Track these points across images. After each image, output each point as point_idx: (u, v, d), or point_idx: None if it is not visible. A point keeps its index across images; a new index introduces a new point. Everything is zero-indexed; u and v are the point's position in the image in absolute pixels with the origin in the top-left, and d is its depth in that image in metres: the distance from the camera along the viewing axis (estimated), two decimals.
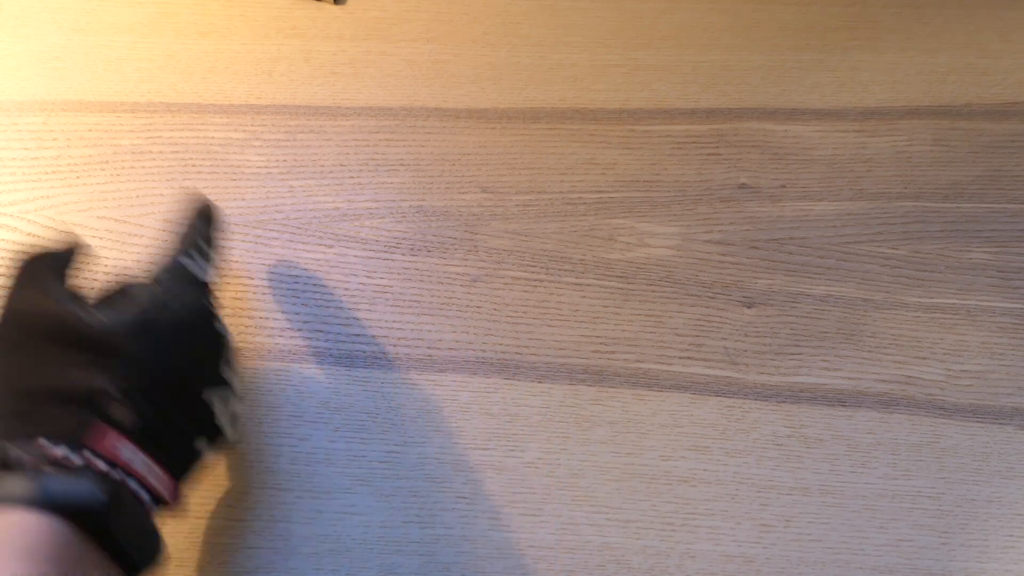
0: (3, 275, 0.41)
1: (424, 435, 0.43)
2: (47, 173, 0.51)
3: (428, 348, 0.46)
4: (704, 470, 0.42)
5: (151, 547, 0.30)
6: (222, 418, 0.35)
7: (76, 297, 0.33)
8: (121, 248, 0.48)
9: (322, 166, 0.51)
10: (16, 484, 0.27)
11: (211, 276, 0.38)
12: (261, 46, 0.55)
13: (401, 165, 0.51)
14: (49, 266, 0.34)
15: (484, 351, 0.46)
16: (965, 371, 0.45)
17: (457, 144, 0.52)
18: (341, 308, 0.47)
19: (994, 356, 0.45)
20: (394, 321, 0.46)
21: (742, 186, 0.50)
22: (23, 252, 0.35)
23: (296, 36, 0.56)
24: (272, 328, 0.46)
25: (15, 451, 0.28)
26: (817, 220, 0.49)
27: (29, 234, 0.49)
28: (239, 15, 0.57)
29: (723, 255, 0.48)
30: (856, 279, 0.47)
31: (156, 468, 0.31)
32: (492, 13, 0.56)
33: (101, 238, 0.49)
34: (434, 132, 0.52)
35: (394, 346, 0.46)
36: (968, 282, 0.47)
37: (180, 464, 0.33)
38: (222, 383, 0.36)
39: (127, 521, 0.28)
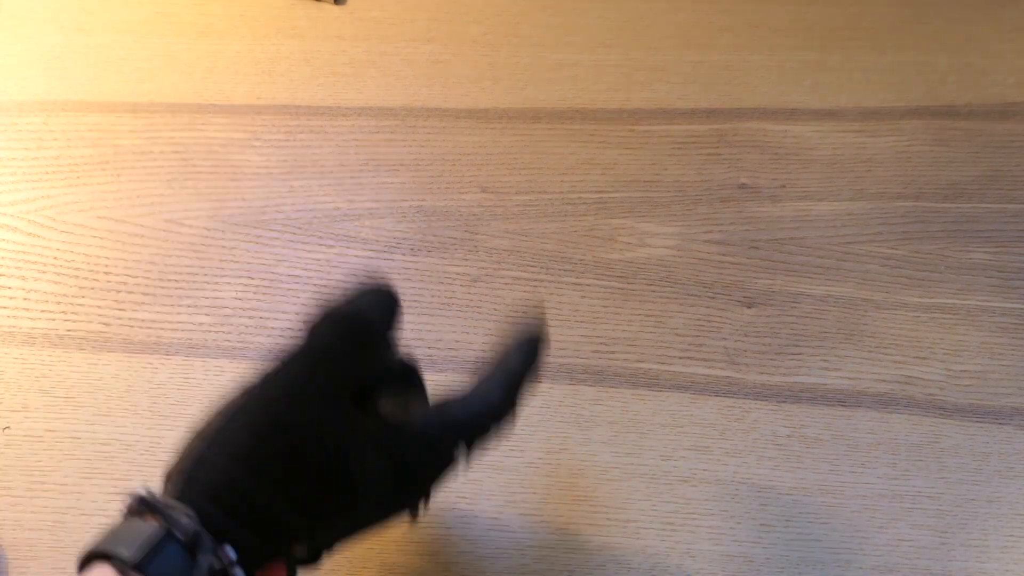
0: (1, 275, 0.42)
1: None
2: (48, 173, 0.51)
3: (428, 348, 0.46)
4: (704, 470, 0.42)
5: None
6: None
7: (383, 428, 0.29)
8: (122, 249, 0.48)
9: (322, 166, 0.51)
10: (169, 565, 0.25)
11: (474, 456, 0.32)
12: (261, 46, 0.55)
13: (401, 165, 0.51)
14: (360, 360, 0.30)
15: (484, 351, 0.46)
16: (965, 371, 0.45)
17: (457, 144, 0.52)
18: None
19: (994, 356, 0.45)
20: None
21: (742, 186, 0.50)
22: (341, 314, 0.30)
23: (296, 36, 0.56)
24: (272, 328, 0.46)
25: (206, 541, 0.25)
26: (817, 220, 0.49)
27: (30, 234, 0.49)
28: (239, 15, 0.57)
29: (723, 255, 0.48)
30: (856, 279, 0.47)
31: None
32: (492, 13, 0.56)
33: (102, 238, 0.49)
34: (434, 132, 0.52)
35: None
36: (968, 282, 0.47)
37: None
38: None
39: None
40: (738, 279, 0.47)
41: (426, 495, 0.32)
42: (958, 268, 0.48)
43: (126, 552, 0.24)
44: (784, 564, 0.40)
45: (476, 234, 0.49)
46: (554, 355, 0.45)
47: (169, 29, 0.56)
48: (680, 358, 0.45)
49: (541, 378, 0.36)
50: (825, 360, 0.45)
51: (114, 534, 0.25)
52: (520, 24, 0.56)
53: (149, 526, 0.25)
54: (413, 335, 0.46)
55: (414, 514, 0.35)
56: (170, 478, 0.28)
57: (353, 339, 0.30)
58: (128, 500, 0.27)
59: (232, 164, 0.51)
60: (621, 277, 0.47)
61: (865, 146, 0.51)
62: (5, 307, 0.47)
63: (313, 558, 0.29)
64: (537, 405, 0.44)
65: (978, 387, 0.44)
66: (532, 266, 0.48)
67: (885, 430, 0.43)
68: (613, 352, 0.46)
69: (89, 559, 0.25)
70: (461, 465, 0.31)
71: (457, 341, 0.46)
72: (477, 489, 0.42)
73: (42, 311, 0.47)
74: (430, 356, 0.45)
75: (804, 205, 0.50)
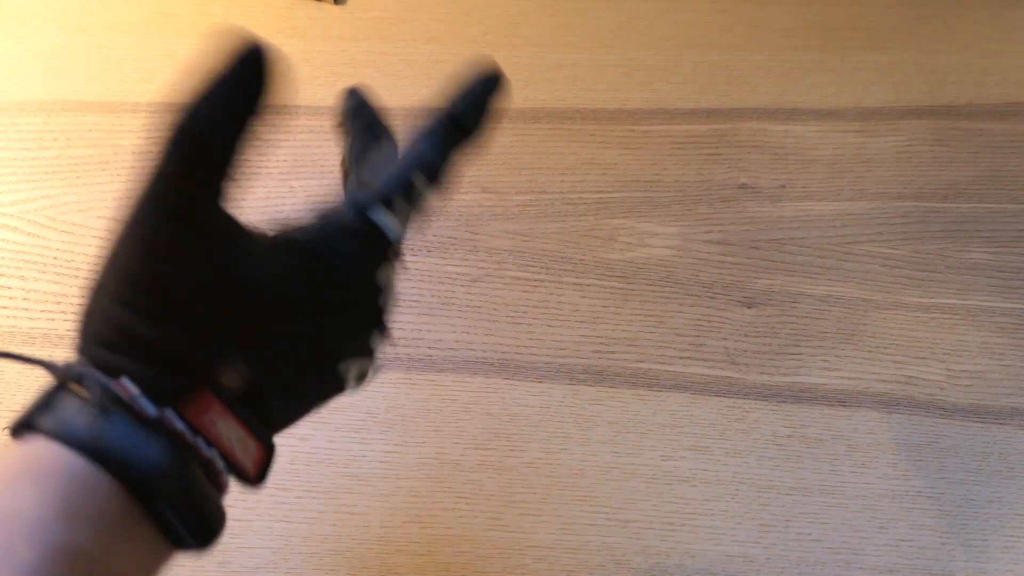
0: (1, 274, 0.42)
1: (424, 435, 0.43)
2: (47, 173, 0.51)
3: (428, 348, 0.46)
4: (704, 470, 0.42)
5: (206, 526, 0.26)
6: (348, 386, 0.30)
7: (228, 221, 0.26)
8: None
9: (322, 166, 0.51)
10: (77, 416, 0.23)
11: (406, 231, 0.30)
12: None
13: None
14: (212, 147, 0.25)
15: (484, 351, 0.46)
16: (965, 371, 0.45)
17: None
18: None
19: (994, 356, 0.45)
20: (394, 321, 0.46)
21: (742, 186, 0.50)
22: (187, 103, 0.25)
23: (297, 36, 0.56)
24: None
25: (94, 379, 0.23)
26: (817, 220, 0.49)
27: (30, 234, 0.49)
28: (240, 15, 0.57)
29: (723, 255, 0.48)
30: (856, 279, 0.47)
31: (250, 442, 0.26)
32: (492, 13, 0.56)
33: (102, 238, 0.49)
34: None
35: (394, 346, 0.46)
36: (968, 282, 0.47)
37: (275, 433, 0.29)
38: (366, 353, 0.30)
39: (185, 496, 0.25)
40: (738, 279, 0.47)
41: (373, 291, 0.29)
42: (958, 268, 0.47)
43: (18, 417, 0.23)
44: (784, 564, 0.40)
45: (476, 234, 0.49)
46: (554, 355, 0.45)
47: (169, 29, 0.56)
48: (680, 358, 0.45)
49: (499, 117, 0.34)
50: (825, 360, 0.45)
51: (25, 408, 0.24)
52: (520, 24, 0.56)
53: (49, 387, 0.24)
54: (413, 335, 0.46)
55: (381, 329, 0.32)
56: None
57: (190, 165, 0.26)
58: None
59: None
60: (621, 277, 0.47)
61: (865, 146, 0.51)
62: (5, 307, 0.47)
63: (255, 391, 0.26)
64: (537, 405, 0.44)
65: (978, 387, 0.44)
66: (532, 266, 0.48)
67: (885, 430, 0.43)
68: (613, 352, 0.45)
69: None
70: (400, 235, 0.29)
71: (457, 341, 0.46)
72: (477, 489, 0.42)
73: (42, 311, 0.47)
74: (430, 356, 0.45)
75: (804, 205, 0.50)
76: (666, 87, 0.53)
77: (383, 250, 0.29)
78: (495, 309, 0.47)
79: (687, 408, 0.44)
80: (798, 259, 0.48)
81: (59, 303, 0.47)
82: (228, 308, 0.25)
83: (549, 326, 0.46)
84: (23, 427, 0.24)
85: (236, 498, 0.43)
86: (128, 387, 0.24)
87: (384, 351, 0.31)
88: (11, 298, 0.47)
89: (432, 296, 0.47)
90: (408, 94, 0.54)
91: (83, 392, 0.24)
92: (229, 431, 0.26)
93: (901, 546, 0.41)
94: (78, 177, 0.51)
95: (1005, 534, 0.41)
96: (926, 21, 0.55)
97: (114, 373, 0.24)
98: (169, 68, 0.54)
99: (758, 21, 0.56)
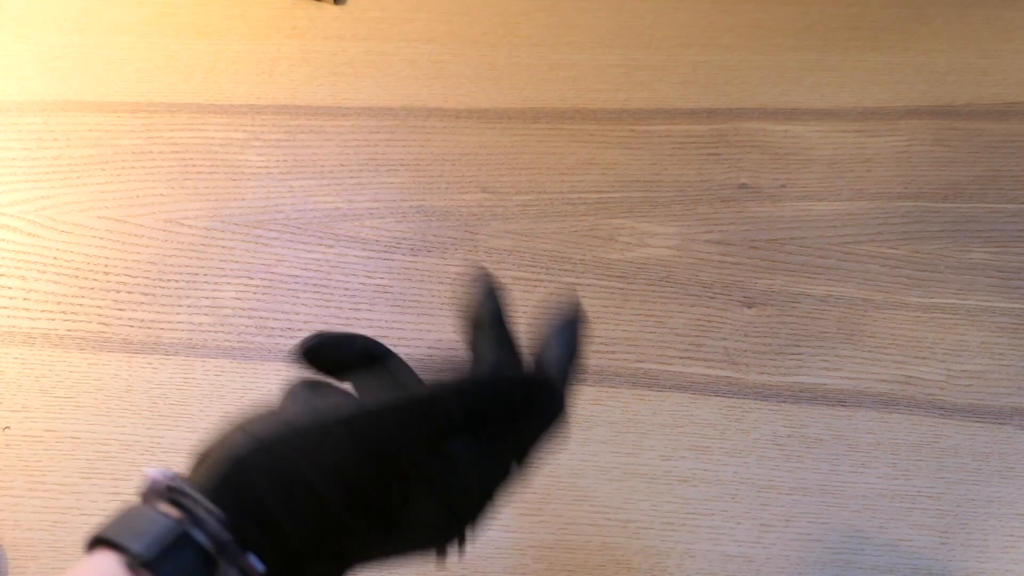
0: (1, 274, 0.41)
1: None
2: (48, 173, 0.51)
3: (428, 348, 0.46)
4: (704, 470, 0.42)
5: None
6: None
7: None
8: (122, 249, 0.48)
9: (322, 166, 0.51)
10: (184, 567, 0.23)
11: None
12: (261, 46, 0.55)
13: (401, 165, 0.51)
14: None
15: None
16: (965, 371, 0.45)
17: (457, 144, 0.52)
18: (341, 308, 0.47)
19: (994, 356, 0.45)
20: (394, 321, 0.47)
21: (742, 186, 0.50)
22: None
23: (296, 36, 0.56)
24: (272, 328, 0.46)
25: (232, 553, 0.23)
26: (817, 220, 0.49)
27: (30, 234, 0.49)
28: (239, 15, 0.57)
29: (723, 255, 0.48)
30: (856, 279, 0.47)
31: None
32: (492, 13, 0.56)
33: (101, 238, 0.49)
34: (434, 132, 0.52)
35: (394, 346, 0.46)
36: (968, 282, 0.47)
37: None
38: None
39: None
40: (738, 279, 0.47)
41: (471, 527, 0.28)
42: (958, 268, 0.48)
43: (137, 546, 0.22)
44: (784, 564, 0.40)
45: (476, 234, 0.49)
46: None
47: (169, 29, 0.56)
48: (680, 358, 0.45)
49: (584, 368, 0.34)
50: (825, 360, 0.45)
51: (128, 520, 0.23)
52: (520, 24, 0.56)
53: (167, 519, 0.23)
54: (413, 335, 0.46)
55: (459, 545, 0.31)
56: (202, 462, 0.25)
57: (474, 417, 0.26)
58: (149, 481, 0.24)
59: (232, 164, 0.51)
60: (621, 277, 0.47)
61: (865, 146, 0.51)
62: (5, 307, 0.47)
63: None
64: None
65: (978, 387, 0.44)
66: (532, 266, 0.48)
67: (885, 430, 0.43)
68: (613, 352, 0.45)
69: (97, 544, 0.23)
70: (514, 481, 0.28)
71: (458, 341, 0.46)
72: (512, 495, 0.42)
73: (42, 311, 0.47)
74: (430, 356, 0.45)
75: (804, 205, 0.50)
76: (666, 87, 0.53)
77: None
78: None
79: (687, 408, 0.44)
80: (798, 259, 0.48)
81: (59, 303, 0.47)
82: (372, 526, 0.25)
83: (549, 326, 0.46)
84: (133, 558, 0.22)
85: None
86: (256, 566, 0.23)
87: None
88: (11, 298, 0.47)
89: (432, 296, 0.47)
90: (408, 94, 0.54)
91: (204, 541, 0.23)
92: None
93: (901, 546, 0.41)
94: (78, 177, 0.51)
95: (1005, 534, 0.41)
96: (926, 21, 0.55)
97: (244, 545, 0.23)
98: (169, 68, 0.54)
99: (758, 21, 0.56)
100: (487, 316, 0.32)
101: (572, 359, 0.31)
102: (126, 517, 0.23)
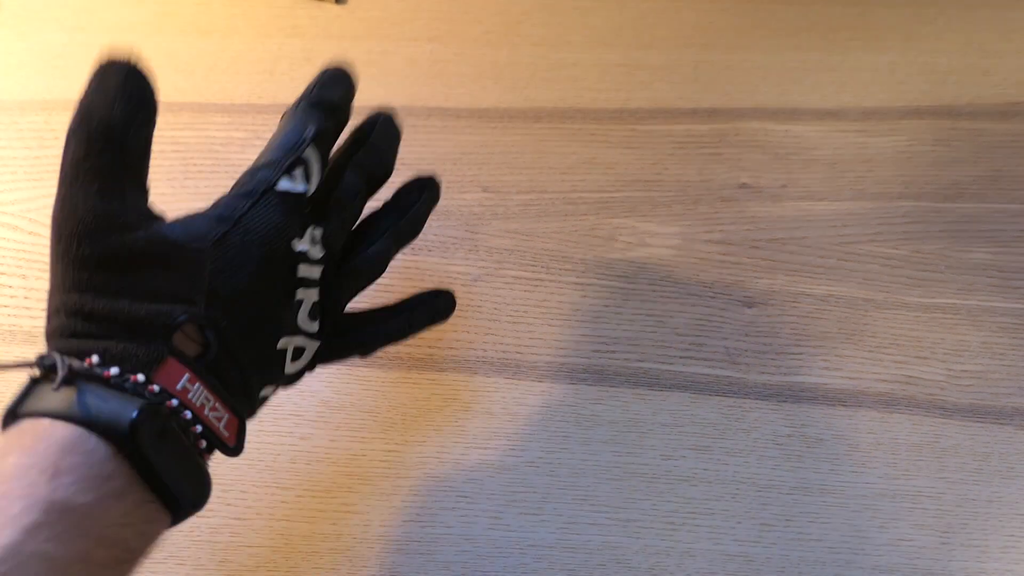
0: (2, 273, 0.41)
1: (424, 434, 0.43)
2: (49, 172, 0.51)
3: (429, 347, 0.46)
4: (705, 469, 0.42)
5: (194, 482, 0.27)
6: (289, 367, 0.32)
7: (141, 197, 0.29)
8: None
9: None
10: (53, 396, 0.25)
11: (312, 185, 0.32)
12: (263, 45, 0.55)
13: (402, 164, 0.51)
14: (121, 145, 0.28)
15: (485, 350, 0.46)
16: (966, 371, 0.45)
17: (458, 143, 0.52)
18: None
19: (995, 356, 0.45)
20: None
21: (743, 186, 0.50)
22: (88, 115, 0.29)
23: (298, 35, 0.56)
24: None
25: (59, 361, 0.25)
26: (818, 220, 0.49)
27: (31, 233, 0.49)
28: (241, 14, 0.57)
29: (724, 255, 0.48)
30: (857, 279, 0.47)
31: (218, 404, 0.28)
32: (493, 12, 0.56)
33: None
34: (435, 131, 0.52)
35: (395, 345, 0.46)
36: (969, 282, 0.47)
37: (246, 411, 0.30)
38: (298, 332, 0.31)
39: (168, 449, 0.25)
40: (739, 279, 0.47)
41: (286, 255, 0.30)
42: (959, 268, 0.48)
43: (5, 409, 0.25)
44: (784, 564, 0.40)
45: (477, 233, 0.49)
46: (554, 354, 0.45)
47: (170, 28, 0.56)
48: (681, 358, 0.45)
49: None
50: (826, 360, 0.45)
51: (91, 400, 0.26)
52: (521, 23, 0.56)
53: (125, 400, 0.25)
54: None
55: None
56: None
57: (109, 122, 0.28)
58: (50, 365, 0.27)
59: (233, 164, 0.51)
60: (622, 277, 0.48)
61: (866, 146, 0.51)
62: (6, 306, 0.47)
63: (212, 361, 0.28)
64: (537, 405, 0.44)
65: (979, 387, 0.44)
66: (533, 265, 0.48)
67: (886, 430, 0.43)
68: (614, 351, 0.46)
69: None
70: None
71: (458, 341, 0.46)
72: (477, 488, 0.42)
73: (43, 310, 0.47)
74: (431, 355, 0.45)
75: (805, 205, 0.50)
76: (667, 87, 0.53)
77: (296, 215, 0.31)
78: (496, 308, 0.47)
79: (688, 408, 0.44)
80: (799, 259, 0.48)
81: None
82: (169, 271, 0.27)
83: (550, 325, 0.46)
84: (7, 417, 0.25)
85: (236, 496, 0.43)
86: (94, 360, 0.25)
87: (319, 330, 0.32)
88: (12, 297, 0.47)
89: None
90: (409, 94, 0.54)
91: (56, 377, 0.25)
92: (201, 398, 0.27)
93: (901, 545, 0.41)
94: None
95: (1005, 534, 0.41)
96: (927, 21, 0.55)
97: (82, 356, 0.25)
98: (170, 67, 0.54)
99: (759, 21, 0.56)
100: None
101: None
102: (81, 395, 0.25)
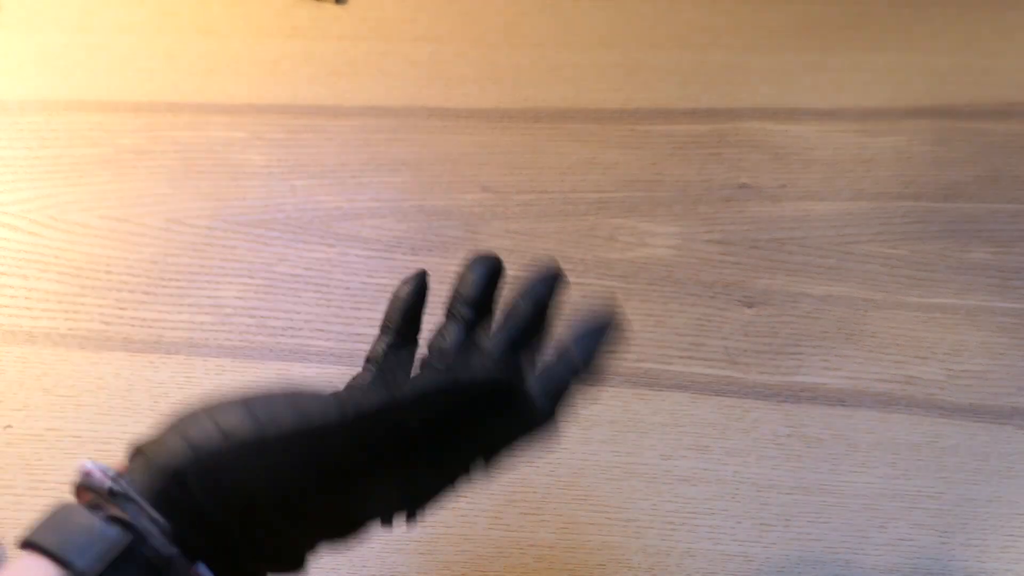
0: (2, 273, 0.41)
1: None
2: (49, 172, 0.51)
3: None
4: (704, 469, 0.42)
5: None
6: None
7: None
8: (123, 248, 0.49)
9: (324, 165, 0.51)
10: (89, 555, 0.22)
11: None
12: (263, 46, 0.55)
13: (402, 165, 0.51)
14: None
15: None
16: (965, 371, 0.45)
17: (458, 144, 0.52)
18: (342, 307, 0.47)
19: (994, 356, 0.45)
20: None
21: (743, 186, 0.50)
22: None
23: (298, 36, 0.56)
24: (273, 328, 0.46)
25: (181, 562, 0.23)
26: (817, 220, 0.49)
27: (32, 233, 0.49)
28: (241, 15, 0.57)
29: (724, 255, 0.48)
30: (856, 279, 0.47)
31: None
32: (493, 14, 0.56)
33: (103, 237, 0.49)
34: (435, 132, 0.52)
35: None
36: (968, 282, 0.47)
37: None
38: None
39: None
40: (738, 279, 0.47)
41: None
42: (958, 268, 0.48)
43: (80, 561, 0.21)
44: (784, 563, 0.40)
45: (477, 233, 0.49)
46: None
47: (171, 29, 0.56)
48: (680, 357, 0.45)
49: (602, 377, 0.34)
50: (825, 360, 0.45)
51: (67, 527, 0.22)
52: (521, 24, 0.56)
53: (112, 531, 0.22)
54: None
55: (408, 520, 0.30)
56: (136, 459, 0.24)
57: (440, 427, 0.26)
58: (84, 475, 0.23)
59: (233, 163, 0.51)
60: (622, 276, 0.48)
61: (865, 146, 0.51)
62: (7, 306, 0.47)
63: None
64: None
65: (978, 387, 0.44)
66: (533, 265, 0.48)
67: (885, 430, 0.43)
68: (613, 351, 0.45)
69: (30, 547, 0.22)
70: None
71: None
72: (477, 488, 0.42)
73: (43, 310, 0.47)
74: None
75: (804, 205, 0.50)
76: (667, 87, 0.53)
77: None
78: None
79: (687, 407, 0.44)
80: (798, 259, 0.48)
81: (60, 302, 0.47)
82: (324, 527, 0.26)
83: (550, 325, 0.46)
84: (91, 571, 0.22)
85: None
86: (201, 572, 0.23)
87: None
88: (12, 297, 0.47)
89: (433, 296, 0.47)
90: (409, 94, 0.54)
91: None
92: None
93: (901, 545, 0.41)
94: (80, 176, 0.51)
95: (1005, 534, 0.41)
96: (926, 21, 0.56)
97: (192, 553, 0.23)
98: (171, 67, 0.55)
99: (759, 21, 0.56)
100: (476, 296, 0.31)
101: (585, 366, 0.30)
102: (65, 521, 0.22)
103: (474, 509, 0.42)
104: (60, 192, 0.50)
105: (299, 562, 0.26)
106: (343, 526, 0.27)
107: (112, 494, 0.23)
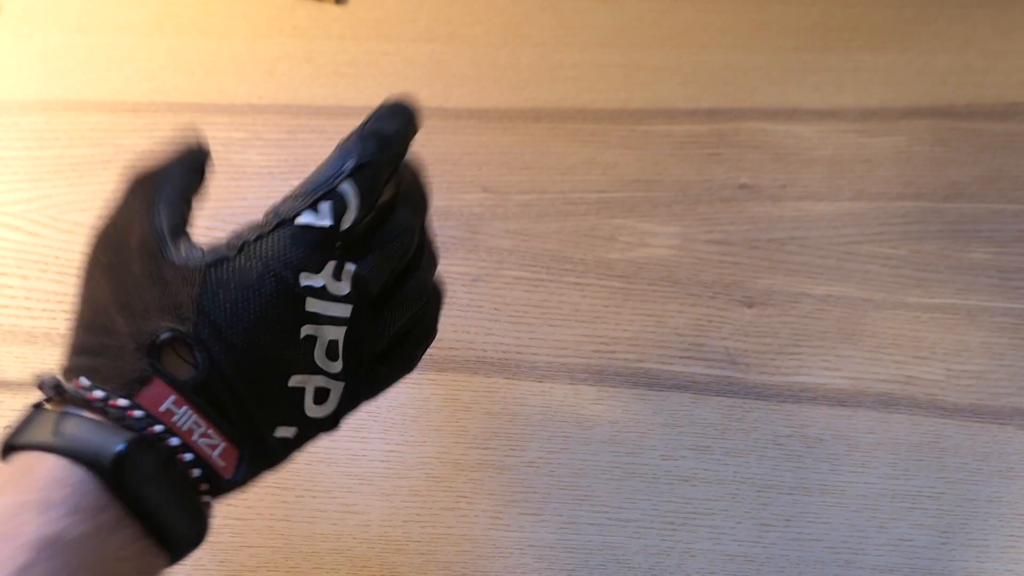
0: (3, 273, 0.41)
1: (425, 434, 0.43)
2: (49, 172, 0.51)
3: (429, 347, 0.46)
4: (705, 469, 0.42)
5: (189, 518, 0.26)
6: (313, 409, 0.30)
7: (176, 224, 0.28)
8: None
9: None
10: (39, 427, 0.25)
11: (348, 220, 0.29)
12: (263, 46, 0.55)
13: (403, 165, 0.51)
14: (167, 183, 0.30)
15: (485, 350, 0.46)
16: (965, 371, 0.45)
17: (458, 144, 0.52)
18: None
19: (994, 356, 0.45)
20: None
21: (743, 186, 0.50)
22: (146, 165, 0.31)
23: (298, 36, 0.56)
24: None
25: (46, 381, 0.26)
26: (817, 220, 0.49)
27: (31, 233, 0.49)
28: (241, 15, 0.57)
29: (724, 255, 0.48)
30: (856, 279, 0.47)
31: (211, 431, 0.26)
32: (493, 13, 0.56)
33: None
34: (435, 132, 0.52)
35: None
36: (968, 282, 0.47)
37: (251, 445, 0.28)
38: (317, 371, 0.29)
39: (159, 483, 0.25)
40: (739, 279, 0.47)
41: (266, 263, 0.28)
42: (958, 268, 0.48)
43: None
44: (784, 564, 0.40)
45: (477, 234, 0.49)
46: (555, 354, 0.45)
47: (171, 29, 0.56)
48: (681, 358, 0.45)
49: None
50: (825, 360, 0.45)
51: (71, 430, 0.26)
52: (521, 24, 0.56)
53: (114, 433, 0.25)
54: None
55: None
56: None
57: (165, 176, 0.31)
58: (42, 382, 0.27)
59: (233, 164, 0.51)
60: (622, 277, 0.48)
61: (866, 146, 0.51)
62: (6, 306, 0.47)
63: (205, 375, 0.26)
64: (538, 404, 0.44)
65: (978, 387, 0.44)
66: (533, 266, 0.48)
67: (885, 430, 0.43)
68: (614, 352, 0.46)
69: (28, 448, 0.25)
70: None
71: (458, 341, 0.46)
72: (477, 488, 0.42)
73: (43, 310, 0.47)
74: (431, 355, 0.45)
75: (805, 205, 0.50)
76: (667, 87, 0.54)
77: (317, 251, 0.29)
78: (496, 309, 0.47)
79: (687, 408, 0.44)
80: (798, 259, 0.48)
81: (60, 302, 0.47)
82: (164, 291, 0.27)
83: (550, 325, 0.46)
84: (6, 450, 0.25)
85: (237, 497, 0.43)
86: (82, 382, 0.25)
87: (342, 370, 0.30)
88: (12, 297, 0.47)
89: None
90: (410, 94, 0.54)
91: (50, 404, 0.26)
92: (189, 422, 0.26)
93: (901, 545, 0.41)
94: (80, 176, 0.51)
95: (1005, 534, 0.41)
96: (927, 21, 0.56)
97: (75, 374, 0.26)
98: (170, 68, 0.55)
99: (759, 21, 0.56)
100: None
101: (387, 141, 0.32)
102: (66, 425, 0.25)
103: (474, 509, 0.42)
104: (60, 192, 0.50)
105: (209, 365, 0.27)
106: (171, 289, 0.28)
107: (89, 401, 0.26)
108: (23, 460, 0.24)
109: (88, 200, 0.50)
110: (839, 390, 0.44)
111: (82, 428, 0.24)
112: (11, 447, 0.25)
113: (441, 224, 0.49)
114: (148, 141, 0.52)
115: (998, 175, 0.50)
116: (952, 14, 0.55)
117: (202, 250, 0.28)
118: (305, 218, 0.29)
